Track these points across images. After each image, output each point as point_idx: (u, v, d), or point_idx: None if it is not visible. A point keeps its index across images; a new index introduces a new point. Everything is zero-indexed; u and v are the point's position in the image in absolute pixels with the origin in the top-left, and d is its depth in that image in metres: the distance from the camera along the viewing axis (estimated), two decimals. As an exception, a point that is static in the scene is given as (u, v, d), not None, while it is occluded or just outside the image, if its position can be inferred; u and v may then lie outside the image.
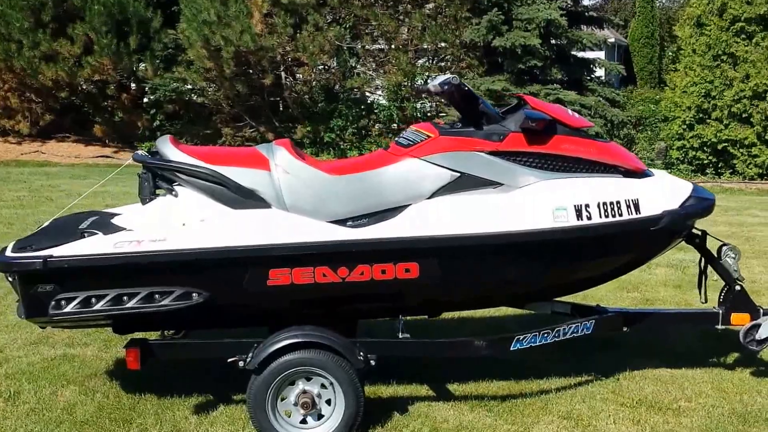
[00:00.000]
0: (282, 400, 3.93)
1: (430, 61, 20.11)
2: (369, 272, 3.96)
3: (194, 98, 20.04)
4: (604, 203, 4.13)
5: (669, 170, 18.67)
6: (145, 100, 21.65)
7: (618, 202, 4.16)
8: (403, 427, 4.12)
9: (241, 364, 3.98)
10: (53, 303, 3.85)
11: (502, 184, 4.13)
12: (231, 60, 18.60)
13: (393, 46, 19.67)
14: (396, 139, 4.43)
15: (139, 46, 20.29)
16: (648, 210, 4.20)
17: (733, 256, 4.55)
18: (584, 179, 4.21)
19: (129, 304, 3.87)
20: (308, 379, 3.93)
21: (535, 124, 4.14)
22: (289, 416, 3.94)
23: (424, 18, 19.15)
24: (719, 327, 4.58)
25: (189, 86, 20.40)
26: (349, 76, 20.13)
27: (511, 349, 4.23)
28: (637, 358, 5.03)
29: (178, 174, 4.07)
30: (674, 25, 42.59)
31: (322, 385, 3.93)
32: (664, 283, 6.90)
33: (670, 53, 41.09)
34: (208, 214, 3.99)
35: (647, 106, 19.63)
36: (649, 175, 4.41)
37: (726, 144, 17.86)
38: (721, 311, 4.54)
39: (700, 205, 4.38)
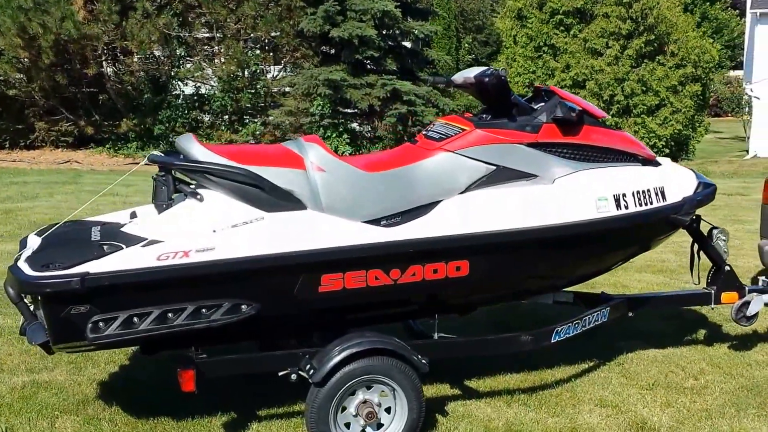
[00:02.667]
0: (342, 411, 3.74)
1: (265, 51, 19.70)
2: (421, 272, 3.84)
3: (5, 90, 18.39)
4: (638, 192, 4.26)
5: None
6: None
7: (648, 191, 4.30)
8: (454, 429, 4.06)
9: (293, 377, 3.77)
10: (90, 325, 3.43)
11: (536, 176, 4.13)
12: (50, 49, 17.30)
13: (225, 35, 19.11)
14: (424, 132, 4.30)
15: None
16: (672, 197, 4.38)
17: (724, 238, 4.84)
18: (615, 168, 4.31)
19: (176, 322, 3.52)
20: (368, 388, 3.76)
21: (575, 115, 4.18)
22: (349, 428, 3.76)
23: (257, 6, 18.74)
24: (712, 306, 4.85)
25: (-1, 78, 18.74)
26: (178, 65, 19.33)
27: (552, 341, 4.27)
28: (620, 341, 5.23)
29: (207, 176, 3.74)
30: (469, 17, 44.57)
31: (382, 393, 3.78)
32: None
33: (466, 44, 43.01)
34: (241, 218, 3.68)
35: (475, 96, 20.37)
36: (660, 163, 4.58)
37: (550, 130, 18.98)
38: (712, 291, 4.81)
39: (708, 191, 4.62)
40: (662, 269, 7.22)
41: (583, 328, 4.40)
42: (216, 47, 19.68)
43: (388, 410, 3.80)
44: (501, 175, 4.07)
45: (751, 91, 21.81)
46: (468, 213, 3.94)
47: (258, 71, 19.20)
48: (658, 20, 18.07)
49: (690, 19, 19.13)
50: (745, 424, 4.08)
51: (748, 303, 4.79)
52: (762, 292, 4.87)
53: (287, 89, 19.23)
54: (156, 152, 3.87)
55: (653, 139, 18.27)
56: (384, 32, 19.10)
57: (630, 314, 4.72)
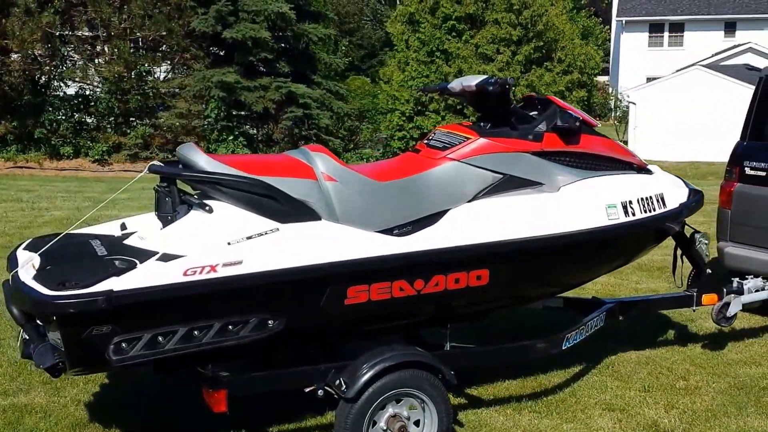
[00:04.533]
0: (373, 426, 3.62)
1: (153, 52, 19.02)
2: (443, 282, 3.77)
3: None
4: (641, 199, 4.33)
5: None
6: None
7: (650, 198, 4.38)
8: (477, 440, 4.00)
9: (320, 393, 3.65)
10: (112, 347, 3.20)
11: (542, 184, 4.13)
12: None
13: (110, 34, 18.32)
14: (425, 141, 4.21)
15: None
16: (671, 204, 4.48)
17: (705, 242, 4.98)
18: (616, 176, 4.36)
19: (204, 340, 3.33)
20: (397, 401, 3.66)
21: (578, 125, 4.21)
22: None
23: (145, 5, 18.06)
24: (693, 308, 5.00)
25: None
26: (60, 65, 18.39)
27: (563, 348, 4.27)
28: (596, 342, 5.24)
29: (218, 187, 3.55)
30: (344, 19, 44.73)
31: (411, 406, 3.69)
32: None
33: (343, 47, 43.12)
34: (255, 230, 3.50)
35: (368, 99, 20.42)
36: (651, 170, 4.67)
37: (444, 134, 19.25)
38: (694, 294, 4.95)
39: (698, 197, 4.75)
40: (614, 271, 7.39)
41: (587, 334, 4.44)
42: (101, 47, 18.82)
43: (416, 423, 3.71)
44: (508, 184, 4.05)
45: (628, 96, 22.85)
46: (484, 221, 3.89)
47: (145, 72, 18.50)
48: (547, 27, 18.65)
49: (575, 27, 19.84)
50: (750, 423, 4.21)
51: (727, 304, 4.96)
52: (738, 293, 5.05)
53: (177, 91, 18.67)
54: (156, 162, 3.63)
55: (544, 143, 18.84)
56: (277, 34, 18.90)
57: (620, 318, 4.80)
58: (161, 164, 3.64)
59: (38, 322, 3.45)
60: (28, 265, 3.53)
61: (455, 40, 19.26)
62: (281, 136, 18.70)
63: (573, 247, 4.08)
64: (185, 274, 3.23)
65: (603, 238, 4.17)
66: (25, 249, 3.78)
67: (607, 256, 4.41)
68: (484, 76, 4.13)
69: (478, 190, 3.99)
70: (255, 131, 19.03)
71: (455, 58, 19.11)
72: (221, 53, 18.98)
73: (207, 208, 3.54)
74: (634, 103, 22.44)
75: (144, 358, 3.26)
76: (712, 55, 35.17)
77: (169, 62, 19.41)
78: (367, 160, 19.36)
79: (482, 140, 4.03)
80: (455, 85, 4.26)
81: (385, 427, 3.62)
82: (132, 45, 18.75)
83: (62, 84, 18.53)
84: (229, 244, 3.41)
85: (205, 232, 3.46)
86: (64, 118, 18.14)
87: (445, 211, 3.90)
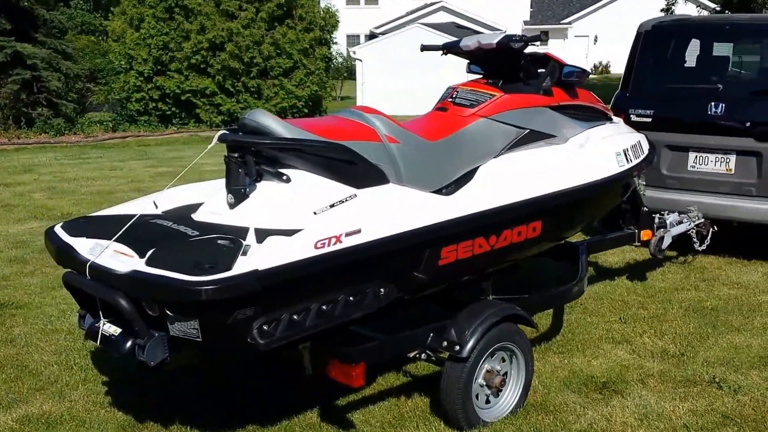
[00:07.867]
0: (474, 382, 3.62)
1: None
2: (510, 236, 3.85)
3: None
4: (632, 146, 4.65)
5: (131, 124, 18.57)
6: None
7: (635, 145, 4.71)
8: (535, 385, 4.10)
9: (423, 356, 3.63)
10: (256, 330, 2.95)
11: (554, 136, 4.29)
12: None
13: None
14: (451, 99, 4.14)
15: None
16: (644, 150, 4.85)
17: (643, 183, 5.44)
18: (608, 127, 4.64)
19: (336, 314, 3.15)
20: (491, 356, 3.68)
21: (580, 78, 4.40)
22: (477, 399, 3.67)
23: None
24: (636, 243, 5.46)
25: None
26: None
27: (584, 289, 4.51)
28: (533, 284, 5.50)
29: (302, 153, 3.33)
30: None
31: (502, 359, 3.74)
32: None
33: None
34: (336, 197, 3.30)
35: (102, 59, 18.95)
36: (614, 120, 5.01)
37: (189, 94, 18.48)
38: (636, 231, 5.42)
39: (652, 143, 5.18)
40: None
41: (587, 276, 4.71)
42: None
43: (504, 375, 3.77)
44: (528, 138, 4.16)
45: (354, 53, 23.50)
46: (535, 175, 3.98)
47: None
48: (287, -16, 18.56)
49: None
50: (731, 339, 4.69)
51: (662, 238, 5.49)
52: (662, 227, 5.57)
53: None
54: (224, 131, 3.26)
55: (293, 100, 18.80)
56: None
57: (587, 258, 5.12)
58: (227, 132, 3.30)
59: (148, 312, 3.02)
60: (107, 252, 3.12)
61: (194, -4, 18.49)
62: (6, 102, 16.84)
63: (601, 193, 4.31)
64: (316, 247, 3.02)
65: (619, 185, 4.45)
66: (74, 237, 3.27)
67: (612, 201, 4.69)
68: (503, 33, 4.18)
69: (504, 145, 4.08)
70: (-26, 97, 16.93)
71: (197, 15, 18.34)
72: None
73: (284, 177, 3.31)
74: (360, 60, 23.15)
75: (288, 339, 3.05)
76: (406, 14, 37.26)
77: None
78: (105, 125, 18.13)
79: (507, 96, 4.11)
80: (469, 42, 4.27)
81: (483, 383, 3.67)
82: None
83: None
84: (315, 213, 3.21)
85: (294, 203, 3.24)
86: None
87: (476, 168, 3.94)
